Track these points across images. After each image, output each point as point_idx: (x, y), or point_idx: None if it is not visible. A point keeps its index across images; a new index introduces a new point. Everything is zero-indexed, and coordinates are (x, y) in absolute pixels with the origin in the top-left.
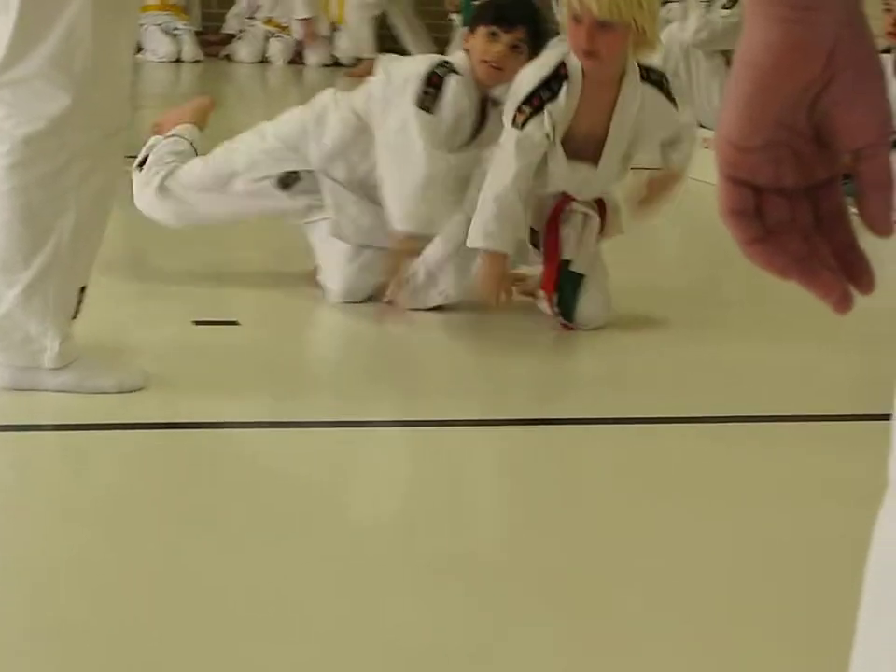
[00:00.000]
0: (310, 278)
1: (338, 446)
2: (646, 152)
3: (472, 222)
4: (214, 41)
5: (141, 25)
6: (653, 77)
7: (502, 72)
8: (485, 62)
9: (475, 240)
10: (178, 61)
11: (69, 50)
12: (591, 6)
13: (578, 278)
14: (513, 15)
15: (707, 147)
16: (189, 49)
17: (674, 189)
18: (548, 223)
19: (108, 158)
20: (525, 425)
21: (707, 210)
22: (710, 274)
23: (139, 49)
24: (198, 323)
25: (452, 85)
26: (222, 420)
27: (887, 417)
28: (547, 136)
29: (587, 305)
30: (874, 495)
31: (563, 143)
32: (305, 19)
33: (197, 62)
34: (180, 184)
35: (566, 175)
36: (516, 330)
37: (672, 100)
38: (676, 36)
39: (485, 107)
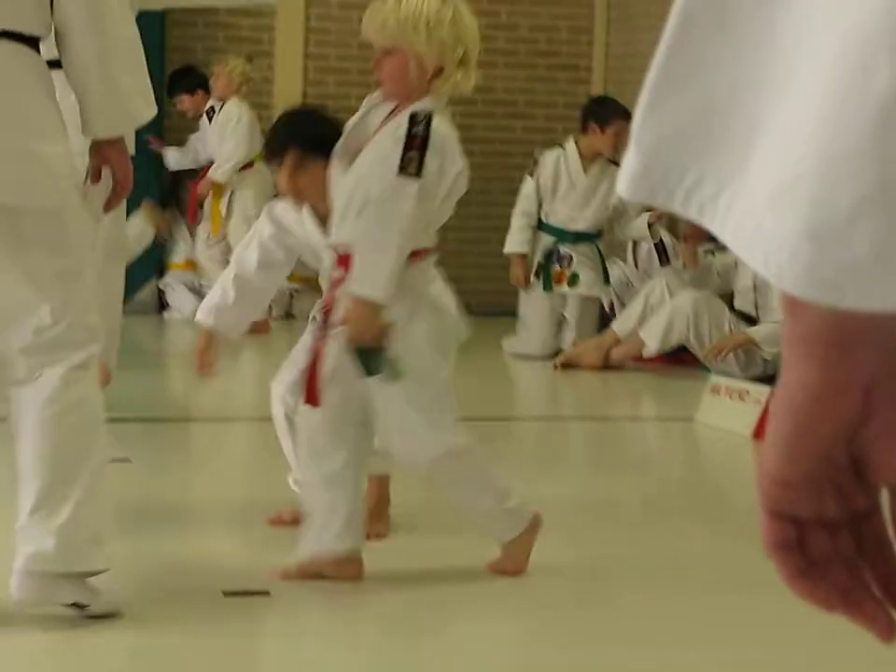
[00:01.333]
0: None
1: None
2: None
3: None
4: None
5: (167, 284)
6: (411, 113)
7: (301, 196)
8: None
9: None
10: None
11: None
12: (364, 28)
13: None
14: (275, 148)
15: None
16: None
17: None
18: None
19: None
20: None
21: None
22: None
23: (165, 307)
24: (227, 594)
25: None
26: None
27: None
28: None
29: (401, 435)
30: None
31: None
32: None
33: None
34: None
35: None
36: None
37: (413, 147)
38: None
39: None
